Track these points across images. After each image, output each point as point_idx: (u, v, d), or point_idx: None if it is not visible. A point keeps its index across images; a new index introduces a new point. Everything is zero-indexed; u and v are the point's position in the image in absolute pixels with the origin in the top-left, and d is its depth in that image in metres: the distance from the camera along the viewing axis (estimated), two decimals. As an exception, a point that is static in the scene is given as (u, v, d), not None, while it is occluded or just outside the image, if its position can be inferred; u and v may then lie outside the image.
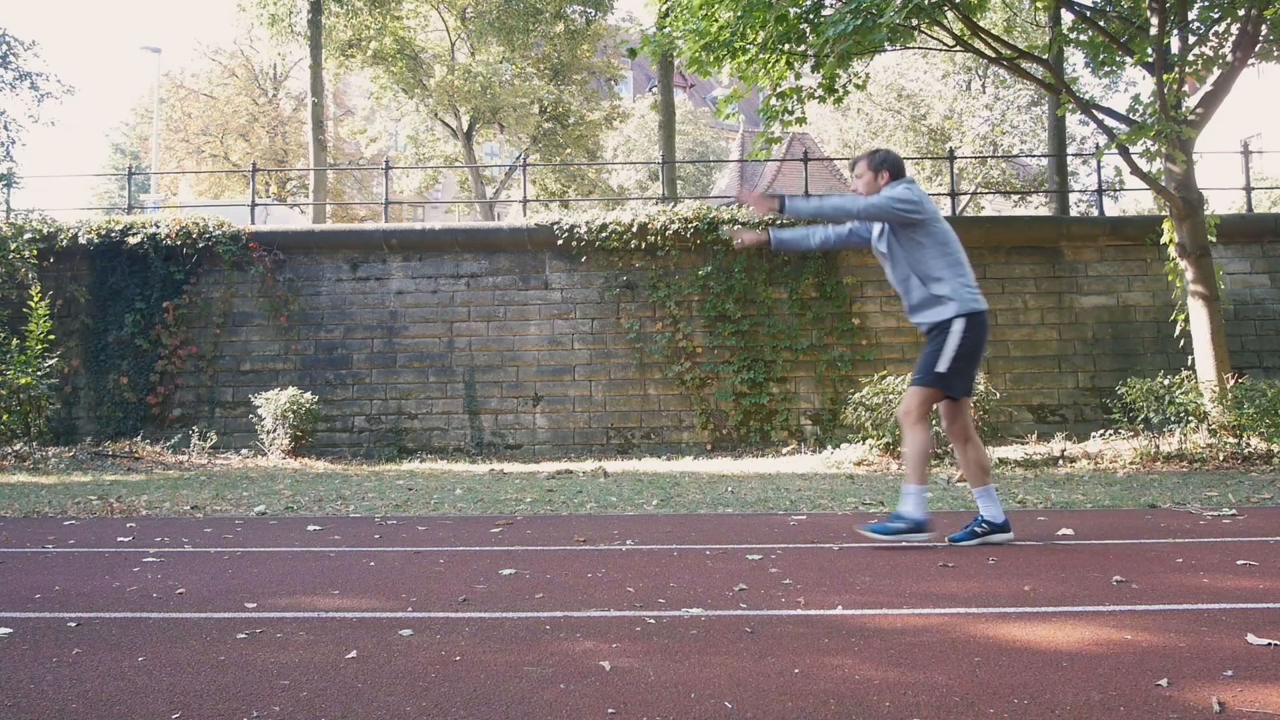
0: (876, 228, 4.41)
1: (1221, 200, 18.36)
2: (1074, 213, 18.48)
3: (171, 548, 4.59)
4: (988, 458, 4.43)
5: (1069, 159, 19.21)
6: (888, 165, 4.39)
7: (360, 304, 13.09)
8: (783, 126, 10.60)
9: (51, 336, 11.59)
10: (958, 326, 4.17)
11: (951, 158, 14.75)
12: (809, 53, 10.07)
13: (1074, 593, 3.32)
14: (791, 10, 9.81)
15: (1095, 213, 15.80)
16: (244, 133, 29.79)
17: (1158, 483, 7.41)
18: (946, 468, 8.95)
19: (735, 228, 4.38)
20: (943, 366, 4.17)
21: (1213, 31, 10.78)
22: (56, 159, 69.10)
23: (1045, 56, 11.77)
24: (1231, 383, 9.65)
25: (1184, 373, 10.02)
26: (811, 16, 10.01)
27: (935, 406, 4.35)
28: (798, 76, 10.40)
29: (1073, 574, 3.66)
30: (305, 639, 2.79)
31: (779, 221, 4.26)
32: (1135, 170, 10.12)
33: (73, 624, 2.99)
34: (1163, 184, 10.22)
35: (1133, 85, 30.47)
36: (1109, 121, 10.99)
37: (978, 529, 4.34)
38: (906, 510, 4.24)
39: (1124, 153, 10.07)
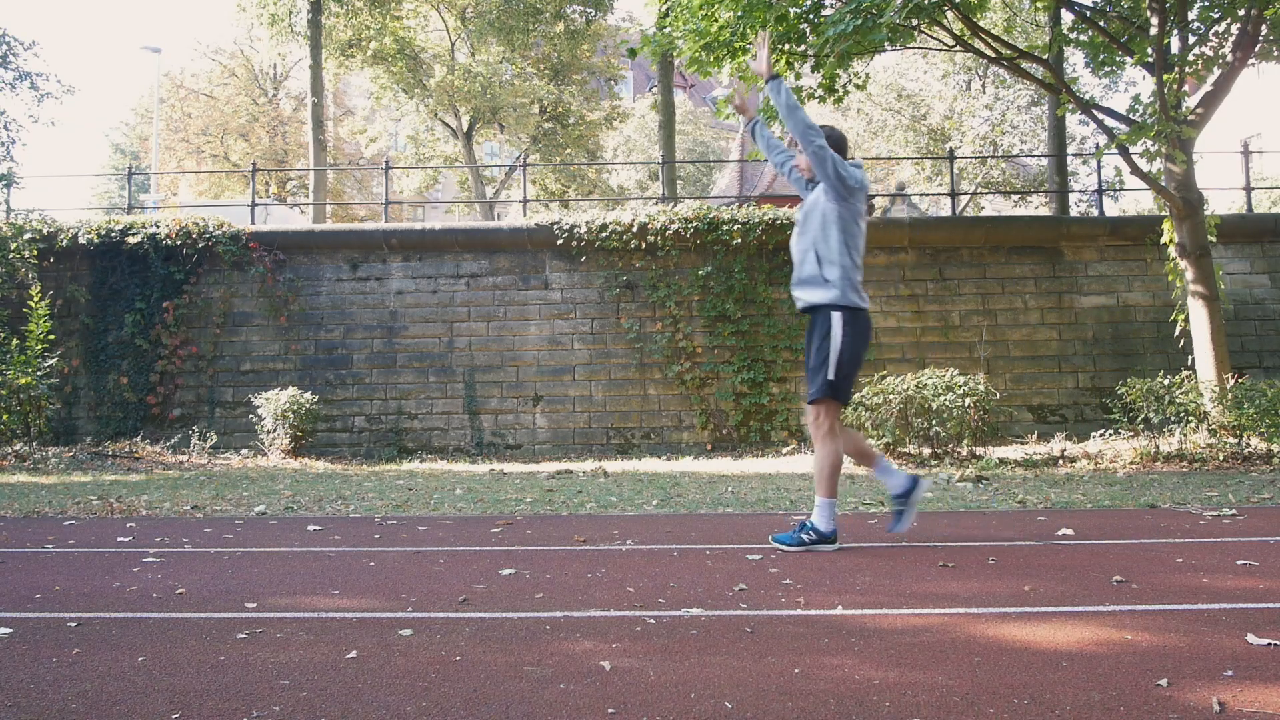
0: (812, 193, 4.34)
1: (1221, 200, 18.37)
2: (1074, 213, 18.49)
3: (171, 548, 4.59)
4: (861, 447, 4.42)
5: (1069, 159, 19.21)
6: (829, 141, 4.38)
7: (360, 304, 13.09)
8: (783, 127, 10.59)
9: (51, 336, 11.59)
10: (837, 322, 4.14)
11: (951, 158, 14.75)
12: (809, 53, 10.07)
13: (1074, 593, 3.32)
14: (791, 10, 9.81)
15: (1095, 213, 15.80)
16: (244, 133, 29.79)
17: (1158, 483, 7.41)
18: (946, 468, 8.95)
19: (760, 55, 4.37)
20: (831, 374, 4.16)
21: (1213, 31, 10.78)
22: (56, 159, 69.14)
23: (1045, 56, 11.77)
24: (1231, 383, 9.65)
25: (1184, 373, 10.02)
26: (811, 16, 10.01)
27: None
28: (798, 76, 10.40)
29: (1073, 574, 3.66)
30: (305, 639, 2.79)
31: (759, 111, 4.32)
32: (1135, 170, 10.12)
33: (73, 624, 2.99)
34: (1163, 184, 10.22)
35: (1133, 85, 30.50)
36: (1109, 121, 10.99)
37: (805, 536, 4.31)
38: (818, 523, 4.26)
39: (1124, 153, 10.07)
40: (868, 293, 4.43)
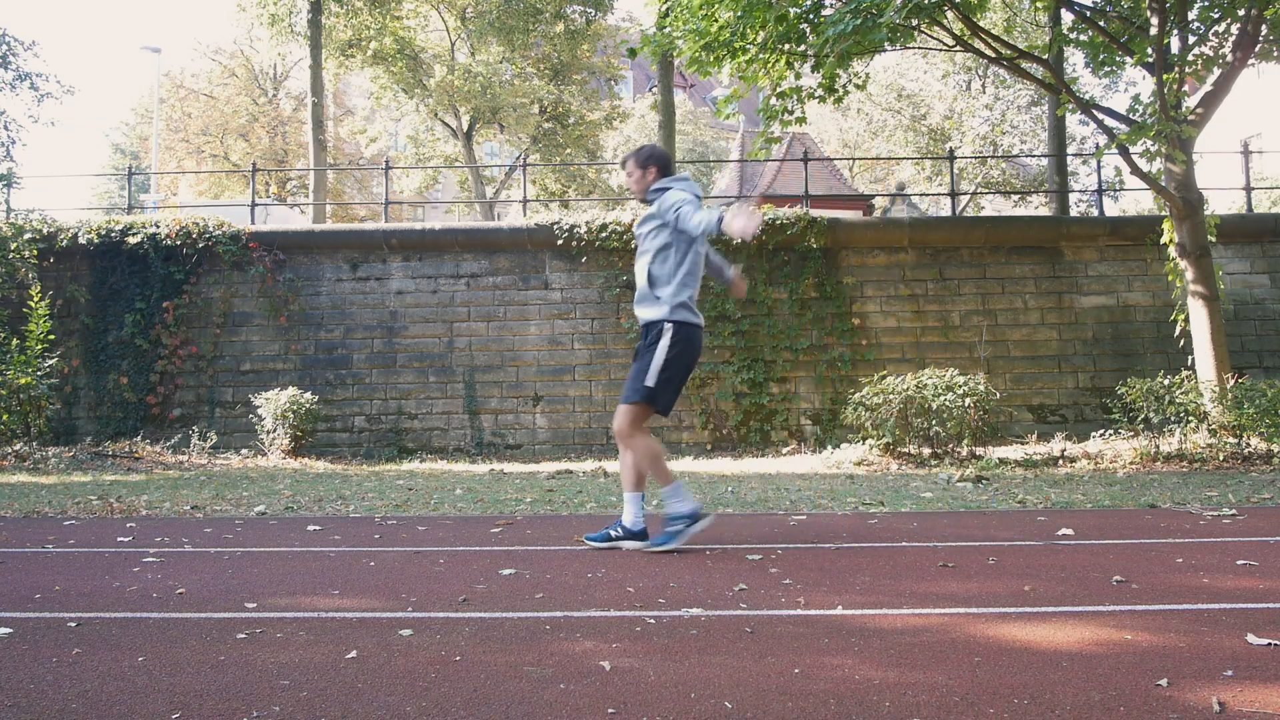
0: (650, 224, 4.37)
1: (1221, 200, 18.37)
2: (1074, 213, 18.49)
3: (171, 548, 4.59)
4: (646, 469, 4.44)
5: (1069, 159, 19.22)
6: (654, 161, 4.41)
7: (360, 304, 13.09)
8: (783, 126, 10.60)
9: (51, 336, 11.58)
10: (667, 333, 4.21)
11: (951, 158, 14.74)
12: (809, 53, 10.07)
13: (1074, 593, 3.32)
14: (791, 10, 9.81)
15: (1095, 213, 15.80)
16: (244, 133, 29.80)
17: (1158, 483, 7.41)
18: (946, 468, 8.95)
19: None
20: (651, 380, 4.21)
21: (1213, 31, 10.78)
22: (56, 159, 69.14)
23: (1045, 56, 11.77)
24: (1231, 383, 9.65)
25: (1184, 373, 10.02)
26: (811, 16, 10.00)
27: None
28: (798, 76, 10.40)
29: (1073, 574, 3.66)
30: (305, 639, 2.79)
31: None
32: (1135, 170, 10.12)
33: (73, 624, 2.99)
34: (1163, 184, 10.23)
35: (1133, 85, 30.49)
36: (1109, 121, 10.99)
37: (613, 531, 4.40)
38: (626, 519, 4.34)
39: (1124, 153, 10.07)
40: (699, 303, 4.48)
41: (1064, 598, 3.24)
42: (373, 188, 31.39)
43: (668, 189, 4.36)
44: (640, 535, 4.40)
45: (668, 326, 4.23)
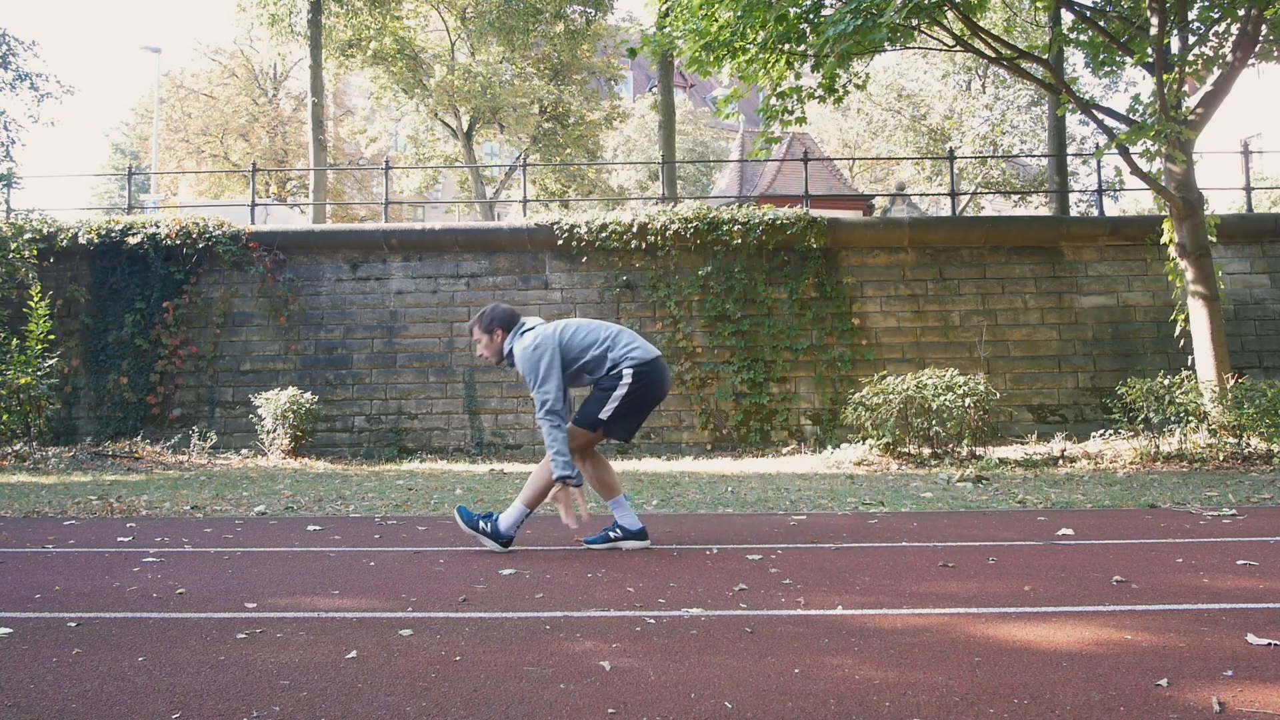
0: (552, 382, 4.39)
1: (1221, 200, 18.37)
2: (1074, 213, 18.49)
3: (171, 548, 4.59)
4: (611, 473, 4.58)
5: (1069, 159, 19.22)
6: (498, 322, 4.47)
7: (360, 304, 13.09)
8: (783, 126, 10.60)
9: (51, 336, 11.58)
10: (628, 377, 4.34)
11: (951, 158, 14.73)
12: (809, 53, 10.07)
13: (1074, 593, 3.32)
14: (791, 10, 9.81)
15: (1095, 213, 15.80)
16: (244, 133, 29.80)
17: (1158, 483, 7.41)
18: (946, 468, 8.95)
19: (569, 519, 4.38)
20: (605, 415, 4.36)
21: (1213, 31, 10.78)
22: (56, 159, 69.11)
23: (1045, 56, 11.76)
24: (1231, 383, 9.65)
25: (1184, 373, 10.02)
26: (811, 16, 10.00)
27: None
28: (798, 76, 10.40)
29: (1073, 574, 3.66)
30: (305, 639, 2.79)
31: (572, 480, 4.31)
32: (1135, 170, 10.12)
33: (73, 624, 2.99)
34: (1163, 184, 10.22)
35: (1133, 85, 30.46)
36: (1109, 121, 10.99)
37: (612, 533, 4.48)
38: (500, 522, 4.40)
39: (1124, 153, 10.07)
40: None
41: (1064, 598, 3.24)
42: (373, 188, 31.39)
43: (512, 349, 4.44)
44: (639, 534, 4.43)
45: (627, 370, 4.34)
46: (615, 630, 2.86)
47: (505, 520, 4.38)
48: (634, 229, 12.59)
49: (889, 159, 26.98)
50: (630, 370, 4.33)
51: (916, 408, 9.56)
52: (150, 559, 4.23)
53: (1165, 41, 10.16)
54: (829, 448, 11.19)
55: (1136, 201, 26.10)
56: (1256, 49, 10.27)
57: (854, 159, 27.66)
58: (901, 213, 21.46)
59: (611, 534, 4.46)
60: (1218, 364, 10.03)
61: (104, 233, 12.94)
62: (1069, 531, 4.76)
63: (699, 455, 11.86)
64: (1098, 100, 18.26)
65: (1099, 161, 14.16)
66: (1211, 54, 10.69)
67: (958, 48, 11.10)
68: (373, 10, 22.03)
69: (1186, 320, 10.60)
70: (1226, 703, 2.12)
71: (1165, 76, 9.81)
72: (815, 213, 12.81)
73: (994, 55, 10.84)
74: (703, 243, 12.59)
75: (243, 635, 2.83)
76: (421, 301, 13.03)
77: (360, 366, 12.93)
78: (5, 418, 10.86)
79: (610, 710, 2.13)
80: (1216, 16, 10.60)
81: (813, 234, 12.45)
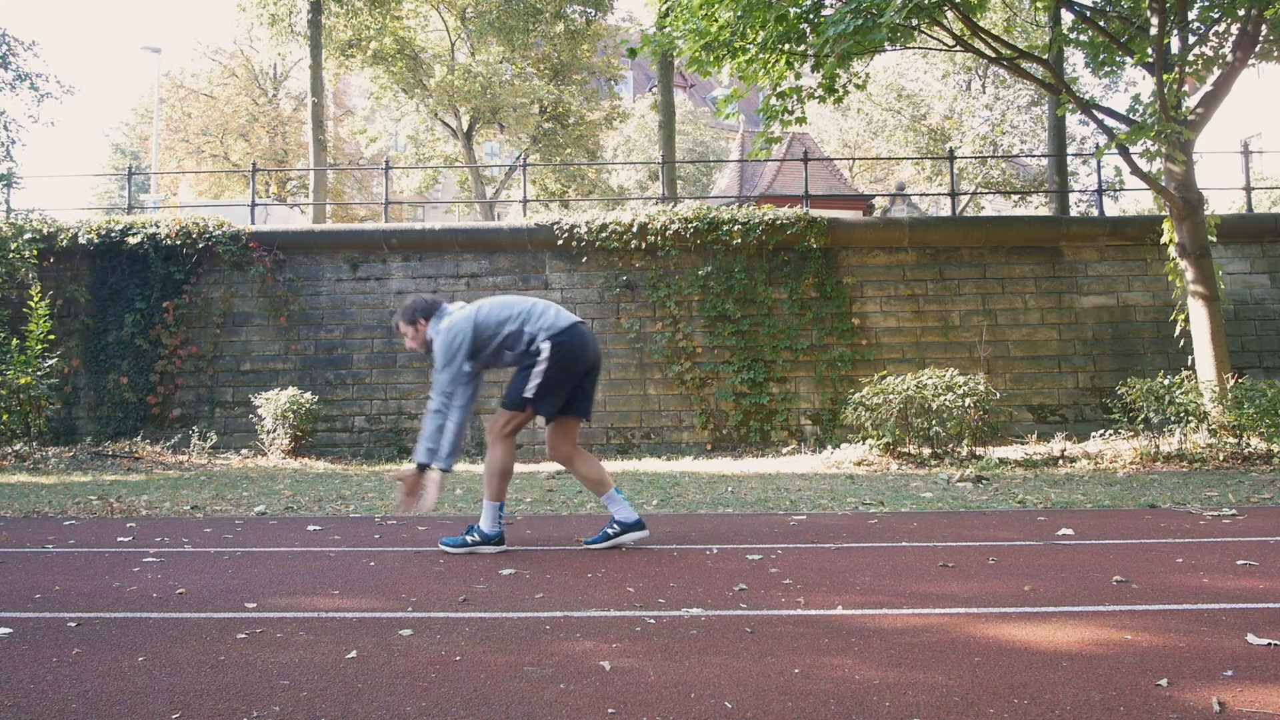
0: (468, 364, 4.39)
1: (1221, 200, 18.37)
2: (1074, 213, 18.49)
3: (171, 548, 4.59)
4: (599, 470, 4.50)
5: (1069, 159, 19.22)
6: (420, 312, 4.47)
7: (360, 304, 13.09)
8: (783, 126, 10.59)
9: (51, 336, 11.58)
10: (545, 349, 4.27)
11: (951, 158, 14.73)
12: (809, 53, 10.07)
13: (1074, 593, 3.32)
14: (791, 10, 9.81)
15: (1095, 213, 15.80)
16: (244, 133, 29.79)
17: (1158, 483, 7.41)
18: (946, 468, 8.95)
19: (398, 503, 4.35)
20: (530, 392, 4.28)
21: (1213, 31, 10.78)
22: (56, 159, 69.12)
23: (1045, 56, 11.76)
24: (1231, 383, 9.64)
25: (1184, 373, 10.02)
26: (811, 16, 10.00)
27: (533, 427, 4.42)
28: (798, 76, 10.40)
29: (1073, 574, 3.66)
30: (305, 639, 2.79)
31: (434, 467, 4.25)
32: (1135, 170, 10.12)
33: (73, 624, 2.99)
34: (1163, 184, 10.22)
35: (1133, 85, 30.44)
36: (1109, 121, 10.98)
37: (610, 530, 4.45)
38: (482, 524, 4.37)
39: (1124, 153, 10.07)
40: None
41: (1064, 598, 3.24)
42: (373, 188, 31.39)
43: (434, 339, 4.39)
44: (636, 526, 4.41)
45: (544, 343, 4.27)
46: (615, 630, 2.86)
47: (485, 522, 4.37)
48: (634, 229, 12.59)
49: (889, 159, 26.98)
50: (547, 343, 4.26)
51: (916, 408, 9.56)
52: (150, 559, 4.23)
53: (1165, 41, 10.16)
54: (829, 448, 11.19)
55: (1136, 201, 26.10)
56: (1256, 49, 10.26)
57: (854, 159, 27.66)
58: (901, 213, 21.46)
59: (610, 530, 4.43)
60: (1218, 364, 10.03)
61: (104, 233, 12.94)
62: (1069, 531, 4.76)
63: (699, 455, 11.86)
64: (1098, 100, 18.27)
65: (1099, 161, 14.15)
66: (1211, 54, 10.69)
67: (958, 48, 11.10)
68: (373, 10, 22.02)
69: (1186, 320, 10.60)
70: (1226, 703, 2.12)
71: (1165, 76, 9.81)
72: (815, 213, 12.81)
73: (994, 55, 10.84)
74: (703, 243, 12.59)
75: (243, 635, 2.83)
76: (421, 301, 13.01)
77: (360, 366, 12.93)
78: (5, 418, 10.86)
79: (610, 710, 2.13)
80: (1216, 16, 10.60)
81: (813, 234, 12.45)
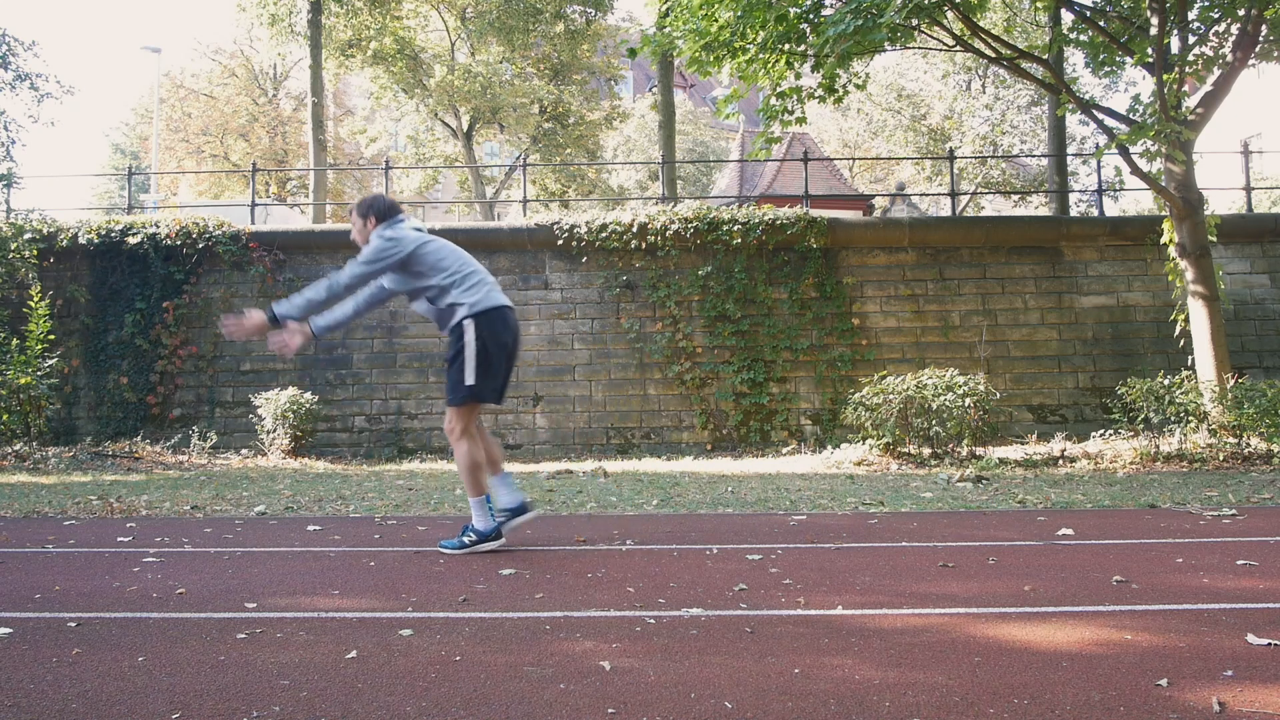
0: (388, 278, 4.39)
1: (1221, 200, 18.37)
2: (1074, 213, 18.49)
3: (171, 548, 4.59)
4: (497, 457, 4.46)
5: (1069, 159, 19.22)
6: (374, 211, 4.43)
7: (360, 304, 13.07)
8: (783, 126, 10.59)
9: (51, 336, 11.58)
10: (468, 328, 4.23)
11: (951, 158, 14.73)
12: (809, 53, 10.07)
13: (1074, 593, 3.32)
14: (791, 10, 9.81)
15: (1095, 213, 15.80)
16: (244, 133, 29.79)
17: (1158, 483, 7.41)
18: (946, 468, 8.95)
19: (232, 321, 4.35)
20: (470, 379, 4.22)
21: (1213, 31, 10.78)
22: (56, 159, 69.11)
23: (1045, 56, 11.76)
24: (1231, 383, 9.65)
25: (1184, 373, 10.02)
26: (811, 16, 10.00)
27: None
28: (798, 76, 10.40)
29: (1073, 574, 3.66)
30: (305, 639, 2.79)
31: (286, 324, 4.26)
32: (1135, 170, 10.12)
33: (73, 624, 2.99)
34: (1163, 184, 10.22)
35: (1133, 85, 30.44)
36: (1109, 121, 10.98)
37: (497, 517, 4.39)
38: (475, 523, 4.34)
39: (1124, 153, 10.07)
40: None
41: (1064, 598, 3.24)
42: (373, 188, 31.36)
43: (374, 240, 4.38)
44: (493, 535, 4.36)
45: (467, 323, 4.23)
46: (615, 630, 2.86)
47: (478, 520, 4.35)
48: (634, 229, 12.59)
49: (889, 159, 26.99)
50: (470, 322, 4.23)
51: (916, 408, 9.56)
52: (150, 559, 4.23)
53: (1165, 41, 10.16)
54: (829, 448, 11.19)
55: (1136, 201, 26.10)
56: (1256, 49, 10.26)
57: (854, 159, 27.66)
58: (901, 213, 21.46)
59: (497, 518, 4.37)
60: (1218, 364, 10.02)
61: (104, 233, 12.94)
62: (1069, 531, 4.76)
63: (699, 455, 11.86)
64: (1098, 100, 18.26)
65: (1099, 161, 14.16)
66: (1211, 54, 10.69)
67: (958, 48, 11.10)
68: (373, 10, 22.02)
69: (1186, 320, 10.60)
70: (1226, 703, 2.12)
71: (1165, 76, 9.81)
72: (815, 213, 12.81)
73: (994, 55, 10.84)
74: (703, 243, 12.59)
75: (243, 635, 2.83)
76: (421, 301, 13.02)
77: (360, 366, 12.92)
78: (5, 418, 10.86)
79: (610, 710, 2.13)
80: (1216, 16, 10.60)
81: (813, 234, 12.45)
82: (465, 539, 4.35)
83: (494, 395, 4.36)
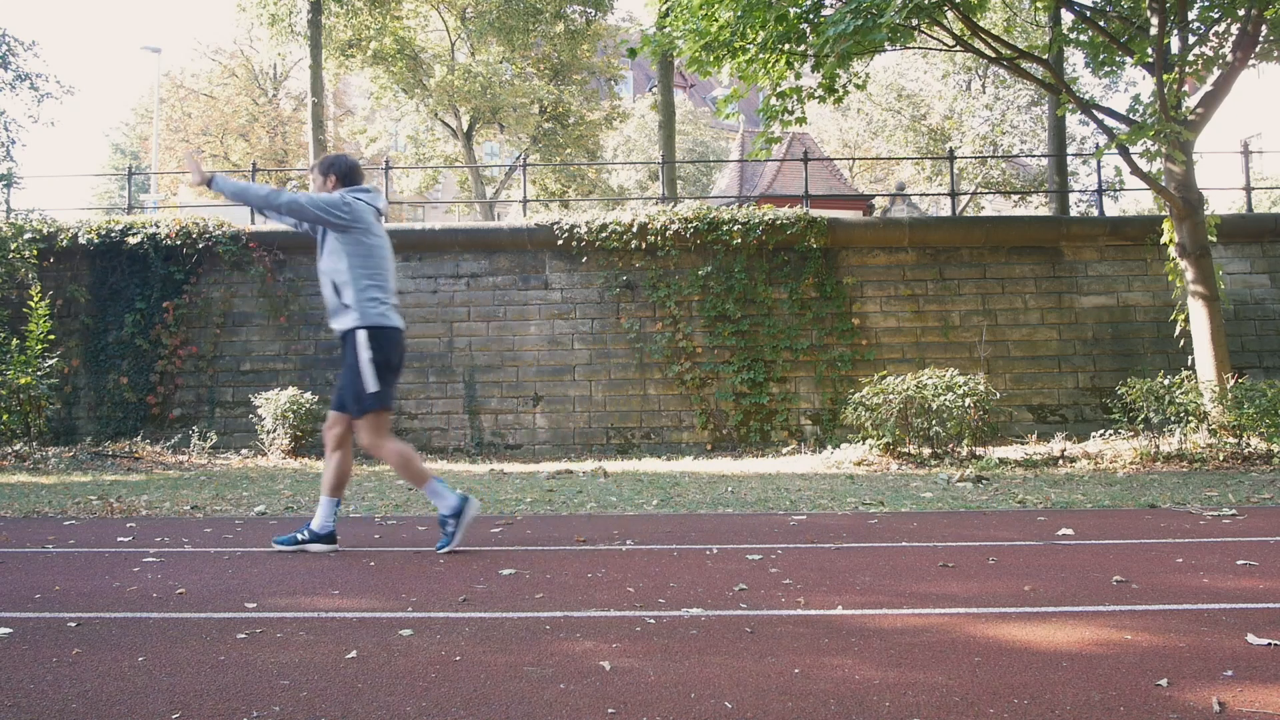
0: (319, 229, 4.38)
1: (1221, 200, 18.36)
2: (1074, 213, 18.49)
3: (171, 548, 4.59)
4: (349, 475, 4.49)
5: (1069, 159, 19.22)
6: (335, 170, 4.42)
7: (360, 304, 13.06)
8: (783, 126, 10.59)
9: (51, 336, 11.57)
10: (362, 340, 4.24)
11: (951, 158, 14.73)
12: (809, 53, 10.07)
13: (1074, 593, 3.32)
14: (791, 10, 9.81)
15: (1095, 213, 15.79)
16: (244, 133, 29.80)
17: (1158, 483, 7.41)
18: (946, 468, 8.95)
19: (193, 166, 4.40)
20: (372, 387, 4.24)
21: (1213, 31, 10.77)
22: (56, 159, 69.11)
23: (1045, 56, 11.76)
24: (1231, 383, 9.64)
25: (1184, 373, 10.02)
26: (811, 16, 10.00)
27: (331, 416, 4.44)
28: (798, 76, 10.39)
29: (1073, 574, 3.66)
30: (305, 639, 2.79)
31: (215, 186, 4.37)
32: (1135, 170, 10.12)
33: (73, 624, 2.99)
34: (1163, 184, 10.22)
35: (1133, 85, 30.43)
36: (1109, 121, 10.98)
37: (300, 535, 4.43)
38: (441, 509, 4.36)
39: (1124, 153, 10.07)
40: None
41: (1064, 598, 3.24)
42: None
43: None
44: (328, 538, 4.39)
45: (361, 333, 4.25)
46: (615, 630, 2.86)
47: (318, 520, 4.37)
48: (634, 229, 12.59)
49: (889, 159, 26.99)
50: (364, 332, 4.24)
51: (916, 408, 9.56)
52: (150, 559, 4.23)
53: (1165, 41, 10.16)
54: (829, 448, 11.18)
55: (1136, 201, 26.10)
56: (1256, 49, 10.26)
57: (854, 159, 27.66)
58: (901, 213, 21.46)
59: (300, 535, 4.41)
60: (1218, 364, 10.02)
61: (104, 233, 12.94)
62: (1069, 531, 4.76)
63: (699, 455, 11.86)
64: (1098, 100, 18.27)
65: (1099, 161, 14.16)
66: (1211, 54, 10.69)
67: (958, 48, 11.10)
68: (373, 10, 22.02)
69: (1186, 320, 10.60)
70: (1226, 703, 2.12)
71: (1165, 76, 9.81)
72: (815, 213, 12.81)
73: (994, 55, 10.84)
74: (703, 243, 12.59)
75: (243, 635, 2.83)
76: (421, 301, 13.02)
77: (360, 366, 12.90)
78: (5, 418, 10.86)
79: (610, 710, 2.13)
80: (1216, 16, 10.60)
81: (813, 234, 12.45)
82: (302, 535, 4.39)
83: (389, 399, 4.39)
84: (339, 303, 4.30)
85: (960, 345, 12.51)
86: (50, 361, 11.36)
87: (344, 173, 4.42)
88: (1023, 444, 10.88)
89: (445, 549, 4.33)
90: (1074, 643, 2.66)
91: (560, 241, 12.79)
